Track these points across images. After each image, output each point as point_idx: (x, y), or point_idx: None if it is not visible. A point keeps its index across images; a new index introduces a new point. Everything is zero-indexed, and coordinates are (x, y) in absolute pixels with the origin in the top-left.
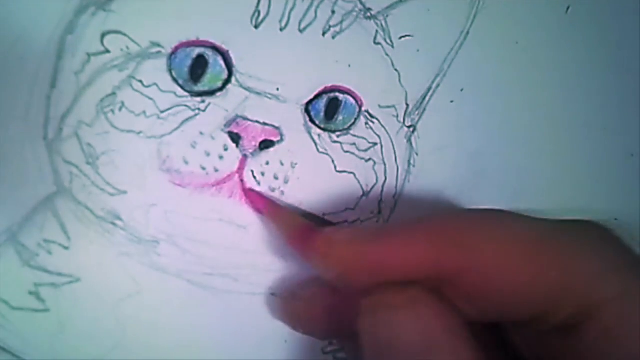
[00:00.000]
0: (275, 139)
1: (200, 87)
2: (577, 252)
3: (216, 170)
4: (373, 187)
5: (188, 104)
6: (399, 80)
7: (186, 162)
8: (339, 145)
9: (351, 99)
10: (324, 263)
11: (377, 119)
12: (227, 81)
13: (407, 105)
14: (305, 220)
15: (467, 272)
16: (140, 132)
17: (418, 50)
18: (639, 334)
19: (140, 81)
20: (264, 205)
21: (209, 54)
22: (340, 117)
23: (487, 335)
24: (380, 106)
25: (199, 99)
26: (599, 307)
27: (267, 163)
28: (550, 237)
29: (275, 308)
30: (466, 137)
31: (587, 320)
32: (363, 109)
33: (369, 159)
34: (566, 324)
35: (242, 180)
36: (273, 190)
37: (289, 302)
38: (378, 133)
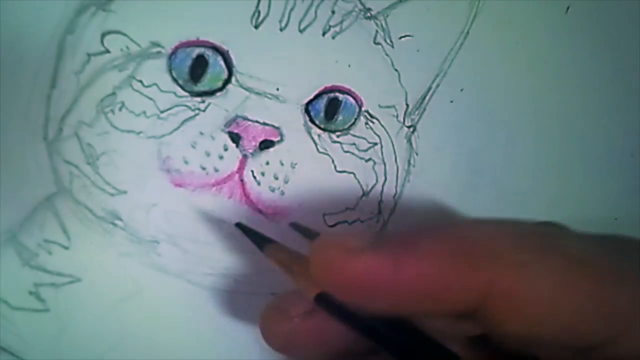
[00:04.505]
0: (275, 139)
1: (200, 87)
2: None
3: (216, 170)
4: (373, 187)
5: (188, 104)
6: (399, 80)
7: (186, 162)
8: (339, 145)
9: (351, 99)
10: (334, 277)
11: (377, 119)
12: (227, 81)
13: (407, 105)
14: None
15: (521, 293)
16: (140, 132)
17: (418, 50)
18: None
19: (140, 81)
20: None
21: (209, 54)
22: (340, 117)
23: None
24: (380, 106)
25: (199, 99)
26: None
27: (267, 163)
28: (610, 256)
29: (261, 325)
30: (466, 137)
31: None
32: (363, 109)
33: (369, 159)
34: (632, 355)
35: (242, 180)
36: (273, 190)
37: (279, 320)
38: (378, 133)
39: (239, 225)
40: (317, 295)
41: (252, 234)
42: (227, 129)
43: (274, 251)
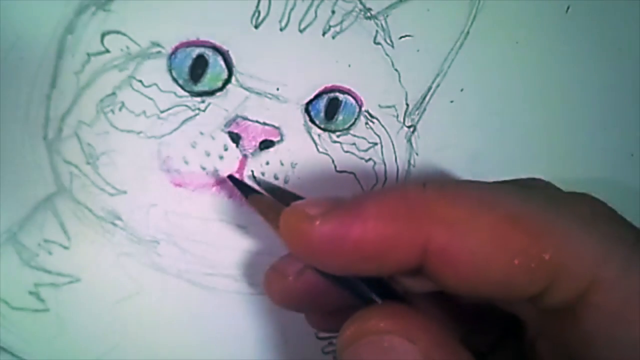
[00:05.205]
0: (275, 139)
1: (200, 87)
2: (573, 229)
3: (216, 170)
4: (373, 187)
5: (188, 104)
6: (399, 80)
7: (186, 162)
8: (339, 145)
9: (351, 99)
10: (296, 242)
11: (377, 119)
12: (227, 81)
13: (407, 105)
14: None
15: (454, 250)
16: (140, 132)
17: (418, 50)
18: None
19: (140, 81)
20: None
21: (209, 54)
22: (340, 117)
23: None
24: (380, 106)
25: (199, 99)
26: (598, 288)
27: (267, 163)
28: (544, 212)
29: (263, 283)
30: (466, 137)
31: (586, 301)
32: (363, 109)
33: (369, 159)
34: (563, 304)
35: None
36: None
37: (277, 279)
38: (378, 133)
39: (230, 177)
40: None
41: (241, 185)
42: (227, 129)
43: (257, 200)
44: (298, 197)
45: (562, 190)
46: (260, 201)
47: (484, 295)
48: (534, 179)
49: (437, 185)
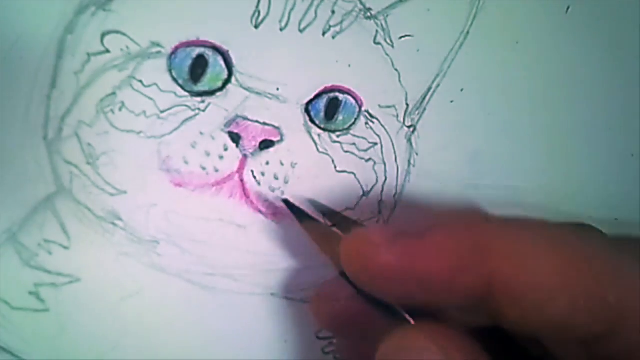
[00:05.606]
0: (275, 139)
1: (200, 87)
2: (637, 273)
3: (216, 170)
4: (373, 187)
5: (188, 104)
6: (399, 80)
7: (186, 162)
8: (339, 145)
9: (351, 99)
10: (358, 268)
11: (377, 119)
12: (227, 81)
13: (407, 105)
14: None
15: (520, 285)
16: (140, 132)
17: (418, 50)
18: None
19: (140, 81)
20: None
21: (209, 54)
22: (340, 117)
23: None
24: (380, 106)
25: (199, 98)
26: None
27: (267, 163)
28: (609, 255)
29: (311, 310)
30: (466, 137)
31: None
32: (363, 108)
33: (369, 159)
34: (623, 351)
35: (242, 180)
36: (273, 190)
37: (326, 304)
38: (378, 133)
39: (284, 201)
40: (341, 271)
41: (296, 210)
42: (227, 129)
43: (311, 227)
44: (355, 222)
45: (616, 237)
46: (315, 228)
47: (542, 333)
48: (583, 224)
49: (502, 220)
